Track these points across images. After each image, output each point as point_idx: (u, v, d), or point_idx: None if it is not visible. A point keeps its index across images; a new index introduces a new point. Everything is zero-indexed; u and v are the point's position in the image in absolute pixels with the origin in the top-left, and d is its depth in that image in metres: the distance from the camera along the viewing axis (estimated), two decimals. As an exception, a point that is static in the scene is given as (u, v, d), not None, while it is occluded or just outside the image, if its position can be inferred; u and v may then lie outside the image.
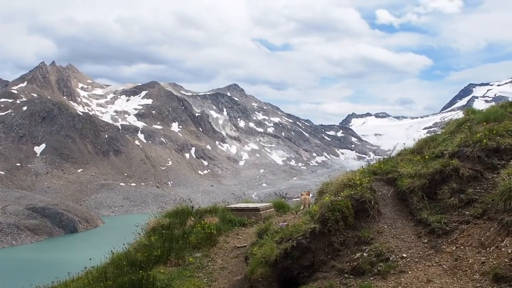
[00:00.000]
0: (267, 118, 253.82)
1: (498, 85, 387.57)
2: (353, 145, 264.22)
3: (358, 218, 8.71)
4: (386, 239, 8.21)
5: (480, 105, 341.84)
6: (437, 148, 10.60)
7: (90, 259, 12.79)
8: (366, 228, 8.54)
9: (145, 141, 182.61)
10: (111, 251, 12.21)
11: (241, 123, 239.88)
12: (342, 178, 9.72)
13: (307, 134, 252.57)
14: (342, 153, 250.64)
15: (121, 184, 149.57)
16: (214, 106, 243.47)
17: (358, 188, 9.07)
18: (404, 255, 7.69)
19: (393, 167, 10.53)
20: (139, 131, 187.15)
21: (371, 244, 8.06)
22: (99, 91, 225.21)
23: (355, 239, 8.35)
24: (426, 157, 10.20)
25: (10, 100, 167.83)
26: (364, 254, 7.79)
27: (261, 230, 10.42)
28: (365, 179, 9.55)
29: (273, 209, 14.79)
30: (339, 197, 8.90)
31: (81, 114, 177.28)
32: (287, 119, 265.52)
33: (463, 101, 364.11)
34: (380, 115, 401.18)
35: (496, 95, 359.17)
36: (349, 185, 9.33)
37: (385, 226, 8.61)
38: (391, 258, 7.59)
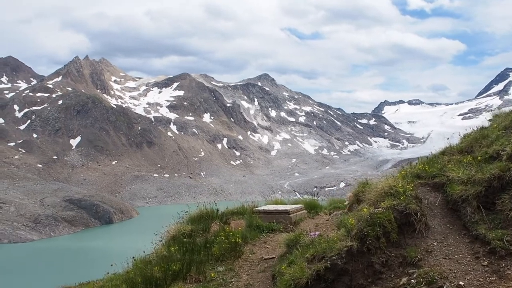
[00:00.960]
0: (298, 107, 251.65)
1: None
2: (386, 133, 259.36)
3: (402, 233, 7.28)
4: (437, 260, 6.84)
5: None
6: (491, 147, 8.99)
7: (112, 264, 12.20)
8: (412, 245, 7.15)
9: (177, 132, 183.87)
10: (133, 258, 11.47)
11: (272, 113, 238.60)
12: (382, 185, 8.25)
13: (339, 123, 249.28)
14: (375, 141, 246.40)
15: (155, 175, 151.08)
16: (245, 96, 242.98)
17: (402, 198, 7.64)
18: (461, 282, 6.25)
19: (440, 170, 8.97)
20: (172, 123, 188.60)
21: (420, 267, 6.67)
22: (131, 84, 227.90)
23: (399, 259, 6.96)
24: (479, 158, 8.69)
25: (46, 95, 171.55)
26: (412, 280, 6.37)
27: (291, 241, 9.27)
28: (409, 186, 8.11)
29: (304, 211, 13.48)
30: (379, 209, 7.43)
31: (115, 106, 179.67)
32: (318, 108, 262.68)
33: (500, 86, 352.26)
34: (413, 102, 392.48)
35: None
36: (390, 193, 7.88)
37: (435, 243, 7.21)
38: (445, 287, 6.22)
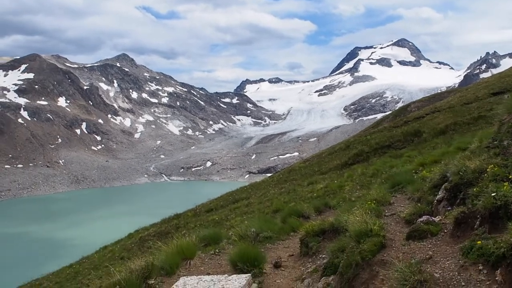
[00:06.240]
0: (160, 88, 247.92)
1: (381, 48, 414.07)
2: (248, 111, 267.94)
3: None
4: None
5: (365, 67, 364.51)
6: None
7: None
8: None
9: (29, 119, 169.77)
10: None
11: (134, 95, 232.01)
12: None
13: (202, 103, 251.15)
14: (239, 120, 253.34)
15: (6, 166, 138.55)
16: (103, 78, 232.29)
17: None
18: None
19: None
20: (22, 108, 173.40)
21: None
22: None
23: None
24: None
25: None
26: None
27: None
28: None
29: (254, 284, 6.60)
30: None
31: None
32: (181, 88, 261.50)
33: (350, 64, 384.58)
34: (273, 80, 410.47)
35: (380, 57, 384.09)
36: None
37: None
38: None
